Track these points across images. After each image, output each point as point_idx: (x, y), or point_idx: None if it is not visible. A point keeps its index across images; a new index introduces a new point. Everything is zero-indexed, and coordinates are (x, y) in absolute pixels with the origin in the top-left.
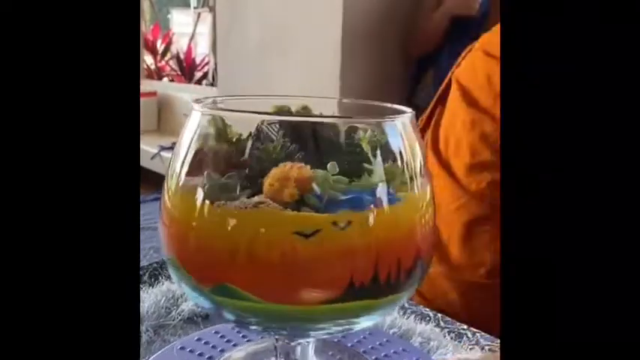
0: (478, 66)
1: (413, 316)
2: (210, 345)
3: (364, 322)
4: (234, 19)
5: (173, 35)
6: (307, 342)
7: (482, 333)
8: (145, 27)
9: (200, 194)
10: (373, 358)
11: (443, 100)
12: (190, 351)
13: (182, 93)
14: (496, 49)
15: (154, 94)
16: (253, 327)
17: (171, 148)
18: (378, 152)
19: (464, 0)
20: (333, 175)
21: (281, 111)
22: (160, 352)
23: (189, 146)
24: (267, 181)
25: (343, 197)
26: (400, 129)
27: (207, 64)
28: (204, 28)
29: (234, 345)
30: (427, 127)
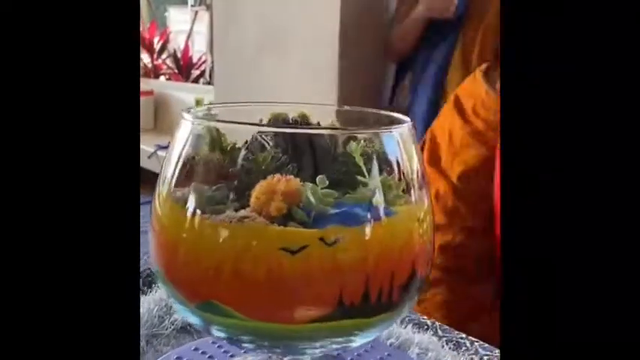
0: (444, 121)
1: (410, 325)
2: (207, 355)
3: (361, 340)
4: (231, 18)
5: (170, 33)
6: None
7: (481, 342)
8: (142, 25)
9: (187, 206)
10: None
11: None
12: None
13: (179, 92)
14: (464, 101)
15: (150, 92)
16: (245, 345)
17: (168, 147)
18: (374, 164)
19: (438, 2)
20: (322, 188)
21: (277, 119)
22: None
23: (180, 155)
24: (254, 194)
25: (333, 211)
26: (398, 140)
27: (204, 62)
28: (202, 27)
29: (232, 356)
30: None
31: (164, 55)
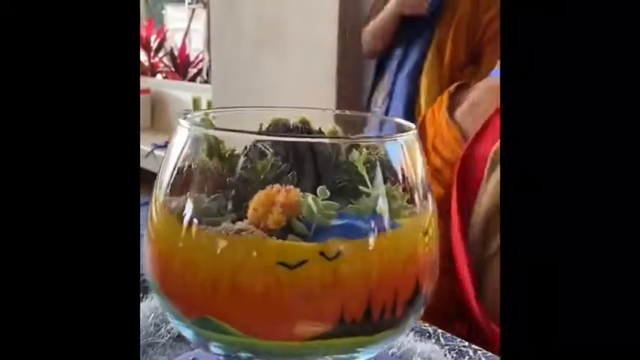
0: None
1: (412, 334)
2: None
3: (363, 356)
4: (229, 15)
5: (167, 31)
6: None
7: (484, 351)
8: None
9: (182, 217)
10: None
11: None
12: None
13: (176, 90)
14: (428, 126)
15: (147, 91)
16: None
17: (165, 146)
18: (378, 173)
19: None
20: (323, 199)
21: (277, 125)
22: None
23: (176, 163)
24: (252, 206)
25: (334, 224)
26: (403, 148)
27: (201, 60)
28: (199, 24)
29: None
30: None
31: (161, 54)
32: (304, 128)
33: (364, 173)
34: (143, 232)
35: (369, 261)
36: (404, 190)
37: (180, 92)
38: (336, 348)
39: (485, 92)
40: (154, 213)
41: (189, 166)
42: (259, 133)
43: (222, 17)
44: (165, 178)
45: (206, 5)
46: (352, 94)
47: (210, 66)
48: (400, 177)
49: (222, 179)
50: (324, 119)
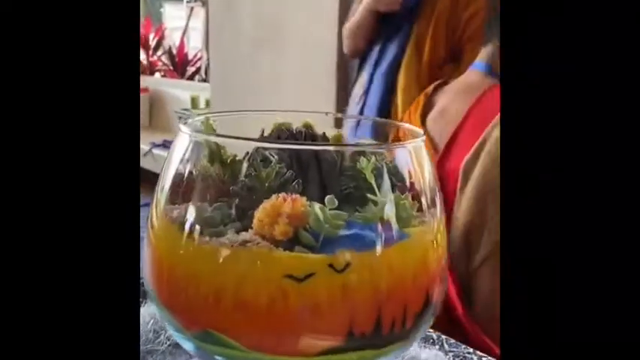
0: None
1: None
2: None
3: None
4: (227, 14)
5: (165, 30)
6: None
7: (490, 358)
8: None
9: (184, 226)
10: None
11: None
12: None
13: (174, 89)
14: None
15: (145, 90)
16: None
17: (163, 145)
18: (386, 181)
19: None
20: (331, 209)
21: (281, 130)
22: None
23: (177, 170)
24: (257, 217)
25: (342, 234)
26: (411, 155)
27: (199, 59)
28: (197, 23)
29: None
30: None
31: (159, 52)
32: (308, 133)
33: (373, 181)
34: (143, 234)
35: (378, 273)
36: (413, 198)
37: (179, 91)
38: None
39: (456, 95)
40: (154, 218)
41: (191, 172)
42: (263, 140)
43: (221, 15)
44: (166, 184)
45: (204, 3)
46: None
47: (208, 64)
48: (408, 184)
49: (225, 186)
50: (326, 122)
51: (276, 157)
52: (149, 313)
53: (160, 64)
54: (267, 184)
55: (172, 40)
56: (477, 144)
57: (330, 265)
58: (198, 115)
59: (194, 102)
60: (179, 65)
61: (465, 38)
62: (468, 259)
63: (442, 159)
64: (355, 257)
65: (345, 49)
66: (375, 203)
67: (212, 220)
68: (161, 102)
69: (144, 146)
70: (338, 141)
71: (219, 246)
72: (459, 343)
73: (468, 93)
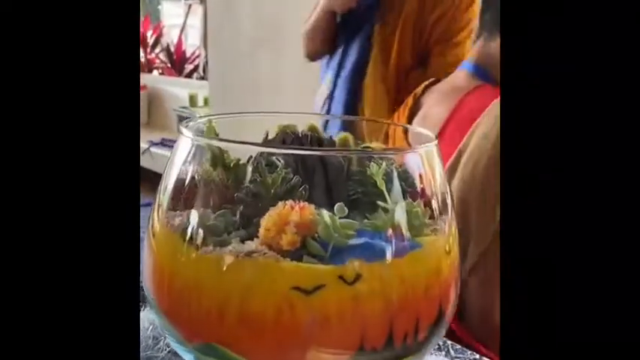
0: None
1: None
2: None
3: None
4: (226, 11)
5: (163, 27)
6: None
7: None
8: None
9: (186, 235)
10: None
11: None
12: None
13: (172, 87)
14: None
15: (143, 87)
16: None
17: (161, 143)
18: (397, 188)
19: None
20: (340, 217)
21: (286, 133)
22: None
23: (179, 175)
24: (264, 225)
25: (352, 243)
26: (423, 160)
27: (197, 57)
28: (195, 20)
29: None
30: None
31: (157, 50)
32: (314, 136)
33: (383, 189)
34: (142, 235)
35: (390, 285)
36: (425, 205)
37: (177, 89)
38: None
39: (442, 97)
40: (155, 225)
41: (193, 178)
42: (269, 145)
43: (219, 13)
44: (167, 189)
45: (202, 1)
46: None
47: (206, 62)
48: (420, 191)
49: (228, 191)
50: (333, 126)
51: (282, 161)
52: (148, 318)
53: (157, 61)
54: (272, 191)
55: (170, 37)
56: (452, 157)
57: (341, 277)
58: (200, 117)
59: (192, 100)
60: (177, 63)
61: (431, 42)
62: None
63: None
64: (366, 268)
65: (304, 52)
66: (386, 210)
67: (216, 228)
68: (159, 100)
69: (142, 144)
70: (345, 144)
71: (224, 256)
72: (464, 349)
73: (452, 96)
